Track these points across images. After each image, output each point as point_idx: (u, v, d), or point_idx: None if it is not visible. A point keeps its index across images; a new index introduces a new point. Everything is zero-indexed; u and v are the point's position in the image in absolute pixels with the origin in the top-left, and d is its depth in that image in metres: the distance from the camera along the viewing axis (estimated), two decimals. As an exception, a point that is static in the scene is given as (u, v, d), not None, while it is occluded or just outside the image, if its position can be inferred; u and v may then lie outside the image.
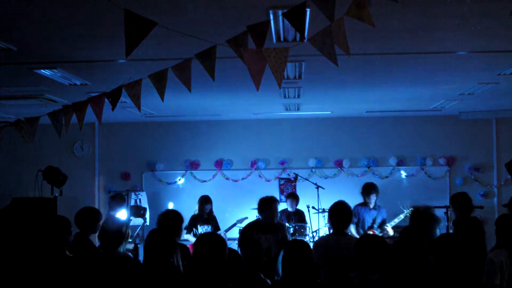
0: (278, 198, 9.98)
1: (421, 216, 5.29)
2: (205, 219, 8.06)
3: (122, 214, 7.35)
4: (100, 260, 4.20)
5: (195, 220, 8.07)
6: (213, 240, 3.53)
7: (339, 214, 4.89)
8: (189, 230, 8.06)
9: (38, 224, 4.83)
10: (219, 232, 8.31)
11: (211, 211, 8.21)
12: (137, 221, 8.22)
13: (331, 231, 5.42)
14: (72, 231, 4.64)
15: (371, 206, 7.74)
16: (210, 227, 8.00)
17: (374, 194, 7.71)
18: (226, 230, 8.43)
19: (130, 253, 5.13)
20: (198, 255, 3.45)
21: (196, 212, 8.16)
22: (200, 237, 3.58)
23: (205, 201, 8.16)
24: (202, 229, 7.93)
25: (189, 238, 7.77)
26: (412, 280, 3.75)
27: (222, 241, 3.53)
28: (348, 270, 4.04)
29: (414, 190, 9.78)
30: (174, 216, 4.81)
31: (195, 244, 3.57)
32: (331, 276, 4.57)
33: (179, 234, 4.79)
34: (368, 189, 7.74)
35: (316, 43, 2.83)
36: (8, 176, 10.15)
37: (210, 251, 3.44)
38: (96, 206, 10.20)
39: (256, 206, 5.99)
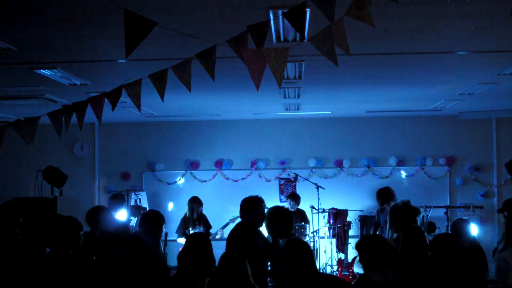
0: (278, 198, 10.07)
1: (401, 210, 5.36)
2: (196, 220, 8.00)
3: (121, 214, 7.35)
4: (101, 262, 4.20)
5: (186, 222, 8.00)
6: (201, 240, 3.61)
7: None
8: (181, 233, 7.99)
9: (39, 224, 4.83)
10: (216, 230, 8.27)
11: (201, 211, 8.13)
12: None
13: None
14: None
15: None
16: (202, 228, 7.93)
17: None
18: (223, 228, 8.39)
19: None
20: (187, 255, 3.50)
21: (187, 214, 8.10)
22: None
23: (195, 202, 8.09)
24: (194, 230, 7.85)
25: (182, 242, 7.65)
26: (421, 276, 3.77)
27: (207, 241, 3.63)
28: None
29: (414, 190, 9.77)
30: (154, 217, 4.83)
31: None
32: None
33: (159, 234, 4.82)
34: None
35: (316, 43, 2.82)
36: (8, 176, 10.16)
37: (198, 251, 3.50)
38: (96, 206, 10.20)
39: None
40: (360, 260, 3.90)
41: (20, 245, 4.63)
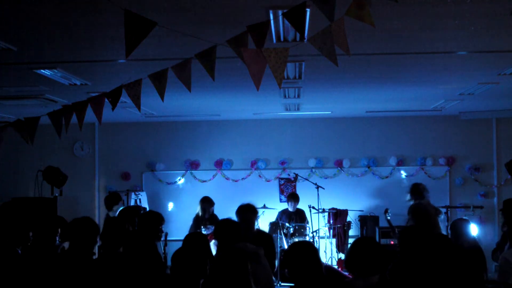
0: (278, 198, 10.07)
1: (427, 210, 5.29)
2: (208, 219, 8.06)
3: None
4: (103, 260, 4.20)
5: (198, 221, 8.07)
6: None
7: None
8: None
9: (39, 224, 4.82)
10: None
11: (212, 211, 8.23)
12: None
13: None
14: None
15: None
16: (214, 227, 7.98)
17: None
18: None
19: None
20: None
21: (199, 213, 8.16)
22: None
23: (207, 202, 8.16)
24: (205, 230, 7.91)
25: None
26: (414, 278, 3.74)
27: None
28: None
29: (414, 190, 9.76)
30: (154, 218, 4.86)
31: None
32: None
33: (157, 235, 4.84)
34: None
35: (316, 43, 2.82)
36: (8, 176, 10.16)
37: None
38: (96, 206, 10.21)
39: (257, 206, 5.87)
40: (345, 265, 3.79)
41: (32, 247, 4.62)
